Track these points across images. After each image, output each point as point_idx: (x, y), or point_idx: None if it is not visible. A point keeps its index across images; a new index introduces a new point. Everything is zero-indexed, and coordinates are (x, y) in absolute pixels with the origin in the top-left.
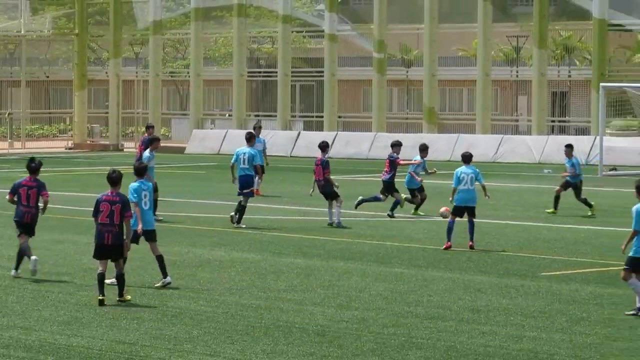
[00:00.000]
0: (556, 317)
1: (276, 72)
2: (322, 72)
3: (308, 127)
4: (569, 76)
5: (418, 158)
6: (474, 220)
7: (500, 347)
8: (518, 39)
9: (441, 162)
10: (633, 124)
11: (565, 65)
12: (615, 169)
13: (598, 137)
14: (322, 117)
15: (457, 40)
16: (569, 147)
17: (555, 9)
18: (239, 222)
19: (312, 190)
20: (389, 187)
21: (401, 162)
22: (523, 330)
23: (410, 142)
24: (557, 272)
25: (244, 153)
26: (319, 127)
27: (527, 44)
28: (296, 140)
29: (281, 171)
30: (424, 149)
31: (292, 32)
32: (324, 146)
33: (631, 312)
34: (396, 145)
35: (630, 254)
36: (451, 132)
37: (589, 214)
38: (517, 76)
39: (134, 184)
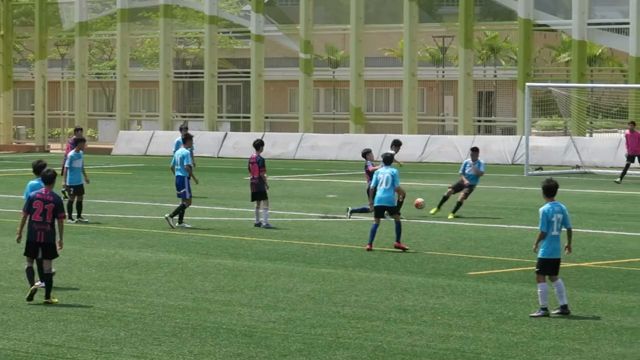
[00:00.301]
0: (483, 317)
1: (203, 73)
2: (249, 72)
3: (235, 128)
4: (495, 76)
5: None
6: (399, 218)
7: (427, 346)
8: (444, 39)
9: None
10: (558, 123)
11: (491, 65)
12: (541, 169)
13: (524, 137)
14: (249, 117)
15: (384, 41)
16: (475, 151)
17: (480, 10)
18: (179, 222)
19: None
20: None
21: (370, 168)
22: (450, 329)
23: (337, 142)
24: (484, 272)
25: (177, 154)
26: (246, 128)
27: (453, 44)
28: (223, 141)
29: (208, 172)
30: (396, 145)
31: (219, 32)
32: (258, 144)
33: (538, 314)
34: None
35: (539, 255)
36: (378, 132)
37: (432, 212)
38: (443, 76)
39: (33, 182)
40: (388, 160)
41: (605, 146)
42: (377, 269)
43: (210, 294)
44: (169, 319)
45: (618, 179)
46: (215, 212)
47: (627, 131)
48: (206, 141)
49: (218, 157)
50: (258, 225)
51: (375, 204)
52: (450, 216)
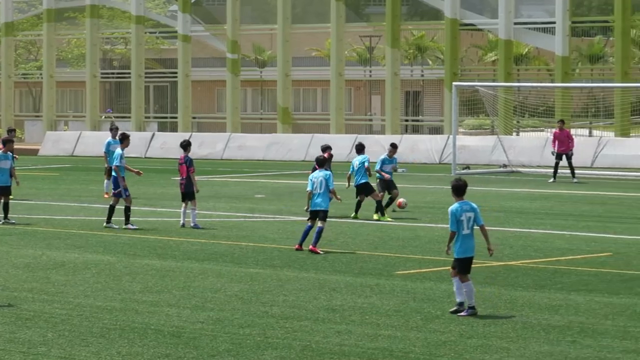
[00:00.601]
0: (411, 316)
1: (130, 73)
2: (176, 73)
3: (162, 128)
4: (422, 76)
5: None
6: (324, 225)
7: (356, 345)
8: (371, 39)
9: (296, 162)
10: (485, 122)
11: (418, 64)
12: (468, 168)
13: (451, 136)
14: (177, 118)
15: (311, 41)
16: (395, 147)
17: (407, 9)
18: (126, 222)
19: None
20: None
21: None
22: (378, 328)
23: (264, 142)
24: (412, 271)
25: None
26: (174, 128)
27: (380, 44)
28: (150, 141)
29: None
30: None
31: (146, 33)
32: (185, 145)
33: (454, 309)
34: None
35: (455, 255)
36: (305, 132)
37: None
38: (370, 76)
39: None
40: (320, 162)
41: (532, 145)
42: (305, 268)
43: (138, 295)
44: (96, 319)
45: (551, 179)
46: (143, 213)
47: (556, 129)
48: (133, 141)
49: (145, 158)
50: (183, 225)
51: (311, 208)
52: (376, 216)
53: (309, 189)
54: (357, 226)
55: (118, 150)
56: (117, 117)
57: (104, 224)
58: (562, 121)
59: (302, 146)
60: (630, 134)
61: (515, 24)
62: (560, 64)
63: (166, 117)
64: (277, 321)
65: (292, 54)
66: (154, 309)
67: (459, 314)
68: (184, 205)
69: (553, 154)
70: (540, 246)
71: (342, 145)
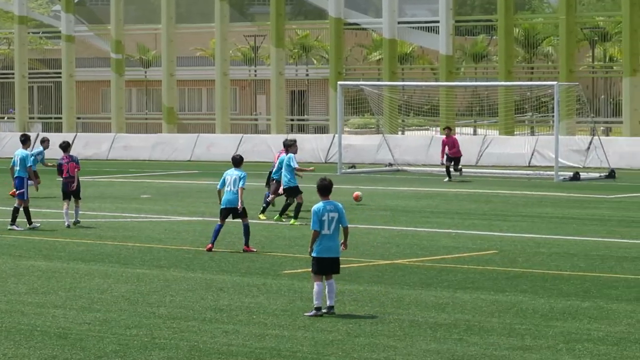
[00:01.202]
0: (298, 315)
1: (13, 74)
2: (60, 73)
3: (47, 128)
4: (307, 75)
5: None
6: (248, 222)
7: (244, 345)
8: (256, 38)
9: (182, 162)
10: (371, 122)
11: (303, 64)
12: (354, 167)
13: (336, 135)
14: (61, 118)
15: (195, 41)
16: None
17: (291, 9)
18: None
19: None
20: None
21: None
22: (266, 328)
23: (150, 142)
24: (299, 270)
25: (16, 155)
26: (58, 129)
27: (265, 44)
28: (35, 141)
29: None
30: (290, 145)
31: (29, 33)
32: (65, 146)
33: (311, 313)
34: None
35: (313, 254)
36: (191, 132)
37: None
38: (255, 75)
39: None
40: (237, 162)
41: (418, 144)
42: (192, 268)
43: (24, 296)
44: None
45: (447, 179)
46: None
47: (444, 137)
48: (17, 142)
49: None
50: (69, 226)
51: (222, 206)
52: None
53: (219, 187)
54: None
55: (24, 151)
56: (1, 117)
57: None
58: (448, 128)
59: (188, 146)
60: (514, 133)
61: (399, 23)
62: (445, 62)
63: (50, 118)
64: (164, 321)
65: (176, 54)
66: (40, 311)
67: (305, 313)
68: (66, 204)
69: (443, 164)
70: (426, 244)
71: (227, 144)
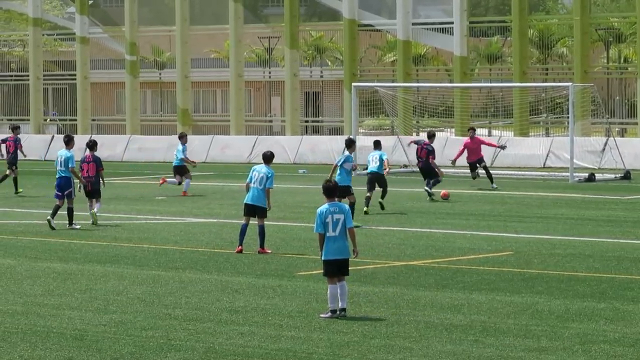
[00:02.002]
0: (314, 317)
1: (28, 76)
2: (75, 75)
3: (62, 130)
4: (321, 76)
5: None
6: (264, 224)
7: (259, 347)
8: (270, 39)
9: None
10: (385, 123)
11: (317, 65)
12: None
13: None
14: (76, 120)
15: (209, 42)
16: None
17: (306, 10)
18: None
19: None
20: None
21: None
22: (281, 330)
23: (164, 144)
24: (314, 272)
25: (61, 156)
26: (73, 130)
27: (279, 45)
28: (50, 143)
29: (35, 175)
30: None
31: (43, 35)
32: (92, 145)
33: (327, 315)
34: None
35: (322, 257)
36: (205, 133)
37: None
38: (269, 77)
39: None
40: (267, 159)
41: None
42: (208, 270)
43: (40, 298)
44: None
45: (494, 184)
46: (43, 216)
47: (467, 139)
48: (33, 144)
49: (45, 160)
50: (94, 223)
51: (245, 201)
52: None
53: (247, 180)
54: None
55: (67, 152)
56: (16, 120)
57: (67, 225)
58: (473, 129)
59: (203, 147)
60: (529, 134)
61: (414, 24)
62: (459, 64)
63: (65, 120)
64: (180, 323)
65: (191, 56)
66: (56, 312)
67: (320, 315)
68: (89, 203)
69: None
70: (441, 246)
71: (242, 146)
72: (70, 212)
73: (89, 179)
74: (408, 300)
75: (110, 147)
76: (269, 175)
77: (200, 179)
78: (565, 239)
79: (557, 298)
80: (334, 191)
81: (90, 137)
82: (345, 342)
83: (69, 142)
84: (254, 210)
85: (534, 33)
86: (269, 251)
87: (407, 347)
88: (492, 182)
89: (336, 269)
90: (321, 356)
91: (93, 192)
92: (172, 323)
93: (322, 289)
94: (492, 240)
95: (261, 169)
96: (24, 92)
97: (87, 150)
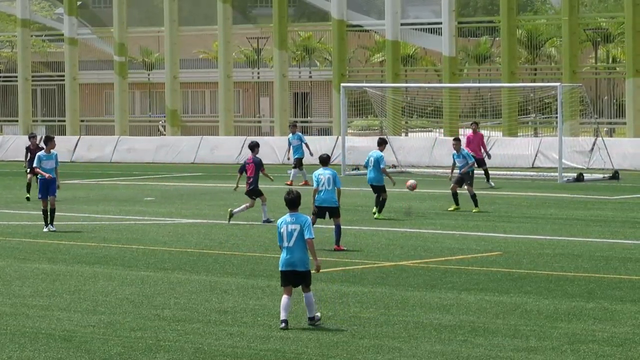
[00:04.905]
0: (303, 317)
1: (16, 77)
2: (63, 76)
3: (51, 131)
4: (310, 77)
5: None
6: (340, 222)
7: (248, 347)
8: (259, 40)
9: (185, 164)
10: (374, 123)
11: (306, 66)
12: (358, 169)
13: (340, 137)
14: (65, 121)
15: (198, 43)
16: (458, 141)
17: (294, 11)
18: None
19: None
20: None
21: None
22: (270, 330)
23: (153, 145)
24: None
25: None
26: (62, 131)
27: (268, 46)
28: (38, 144)
29: (23, 176)
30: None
31: (32, 36)
32: (253, 146)
33: (282, 326)
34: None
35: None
36: (194, 134)
37: (474, 210)
38: (258, 78)
39: None
40: (325, 161)
41: (421, 145)
42: (197, 271)
43: (29, 299)
44: None
45: (492, 183)
46: (32, 217)
47: (470, 132)
48: (21, 145)
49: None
50: (268, 221)
51: (317, 204)
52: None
53: (315, 186)
54: (247, 228)
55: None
56: (5, 121)
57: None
58: (476, 123)
59: (192, 148)
60: (518, 134)
61: (402, 24)
62: (448, 64)
63: (54, 121)
64: (169, 324)
65: (179, 56)
66: (44, 313)
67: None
68: (249, 202)
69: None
70: (430, 246)
71: (231, 146)
72: (48, 213)
73: (250, 179)
74: (397, 301)
75: (99, 148)
76: (335, 176)
77: (189, 179)
78: (553, 239)
79: (546, 298)
80: (293, 203)
81: (250, 140)
82: (334, 342)
83: (47, 143)
84: (327, 212)
85: (522, 33)
86: (344, 248)
87: (396, 347)
88: (488, 179)
89: (291, 281)
90: (310, 356)
91: (253, 192)
92: (161, 324)
93: (312, 289)
94: (481, 240)
95: (325, 172)
96: (13, 93)
97: (249, 152)
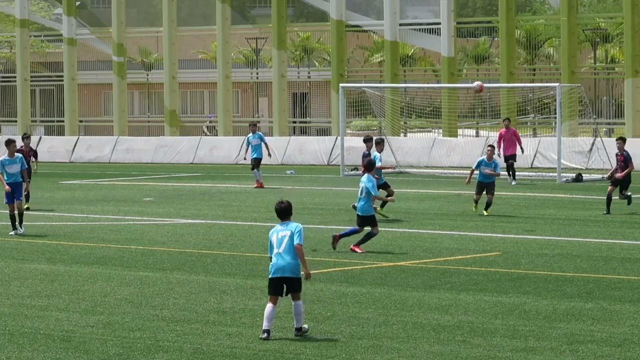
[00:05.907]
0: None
1: (15, 77)
2: (62, 76)
3: (49, 131)
4: (309, 77)
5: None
6: (375, 231)
7: (247, 348)
8: (257, 40)
9: (184, 164)
10: (373, 123)
11: (304, 66)
12: (357, 169)
13: (339, 138)
14: (63, 121)
15: (197, 43)
16: (492, 148)
17: (293, 11)
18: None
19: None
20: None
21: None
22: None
23: (152, 145)
24: (301, 273)
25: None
26: (61, 132)
27: (267, 46)
28: (37, 145)
29: None
30: (378, 143)
31: (30, 36)
32: (374, 140)
33: (263, 336)
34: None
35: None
36: (193, 134)
37: (485, 214)
38: (257, 78)
39: None
40: (369, 167)
41: (420, 146)
42: (195, 271)
43: (27, 300)
44: None
45: (513, 182)
46: (31, 217)
47: (503, 129)
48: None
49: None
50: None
51: (358, 213)
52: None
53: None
54: (246, 228)
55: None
56: (4, 121)
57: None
58: (508, 119)
59: (190, 149)
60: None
61: (401, 25)
62: (446, 64)
63: (53, 121)
64: (168, 324)
65: (178, 57)
66: (43, 314)
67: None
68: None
69: (499, 156)
70: (429, 246)
71: (230, 147)
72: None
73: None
74: (396, 301)
75: (98, 149)
76: (369, 184)
77: (187, 180)
78: (552, 239)
79: (545, 298)
80: (284, 212)
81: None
82: (332, 342)
83: (8, 146)
84: (364, 222)
85: (521, 34)
86: (359, 251)
87: (394, 347)
88: (514, 178)
89: (279, 289)
90: (309, 357)
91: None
92: (159, 324)
93: (310, 290)
94: (479, 240)
95: (363, 179)
96: (11, 93)
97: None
